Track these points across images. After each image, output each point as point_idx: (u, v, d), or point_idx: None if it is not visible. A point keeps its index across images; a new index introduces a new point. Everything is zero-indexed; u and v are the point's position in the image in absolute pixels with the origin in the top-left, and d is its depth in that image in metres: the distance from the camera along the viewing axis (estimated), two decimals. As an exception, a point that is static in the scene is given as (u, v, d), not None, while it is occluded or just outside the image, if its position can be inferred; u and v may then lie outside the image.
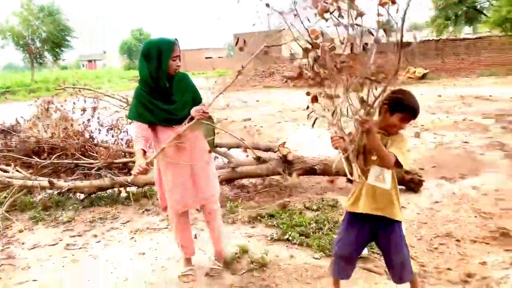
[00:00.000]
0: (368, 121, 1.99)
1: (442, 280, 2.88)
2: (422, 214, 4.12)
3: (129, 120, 3.58)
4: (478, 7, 26.32)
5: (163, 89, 2.77)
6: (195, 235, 3.71)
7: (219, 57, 54.40)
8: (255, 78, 25.83)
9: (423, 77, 21.29)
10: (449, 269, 3.01)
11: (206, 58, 50.18)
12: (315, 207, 4.36)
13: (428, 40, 24.32)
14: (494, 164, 5.76)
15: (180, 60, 2.76)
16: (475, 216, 4.00)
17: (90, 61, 79.31)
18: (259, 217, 4.12)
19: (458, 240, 3.50)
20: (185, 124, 2.71)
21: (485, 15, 24.73)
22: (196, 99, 2.90)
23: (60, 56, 36.22)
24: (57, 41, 34.30)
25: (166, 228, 4.04)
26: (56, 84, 14.10)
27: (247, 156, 5.44)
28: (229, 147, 5.60)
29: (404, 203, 4.24)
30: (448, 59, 22.53)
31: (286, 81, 23.54)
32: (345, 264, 2.42)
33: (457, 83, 18.12)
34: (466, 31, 36.49)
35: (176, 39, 2.74)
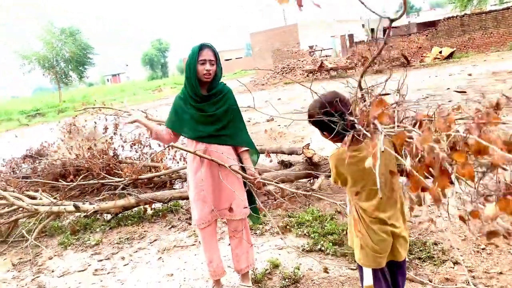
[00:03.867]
0: None
1: (494, 287, 2.59)
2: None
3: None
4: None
5: (199, 97, 2.67)
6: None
7: (237, 58, 54.48)
8: (275, 76, 25.58)
9: (450, 56, 20.44)
10: (501, 273, 2.71)
11: (226, 60, 50.29)
12: (347, 211, 4.11)
13: (452, 17, 23.35)
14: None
15: (211, 64, 2.60)
16: None
17: (114, 75, 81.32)
18: (288, 226, 3.93)
19: (506, 238, 3.18)
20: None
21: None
22: (235, 119, 2.77)
23: (84, 74, 37.29)
24: (80, 60, 35.36)
25: (193, 245, 3.92)
26: (83, 101, 14.43)
27: (270, 161, 5.26)
28: (252, 153, 5.43)
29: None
30: (476, 34, 21.52)
31: (307, 76, 23.17)
32: None
33: (488, 59, 17.23)
34: (492, 2, 34.89)
35: (207, 43, 2.63)
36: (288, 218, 4.13)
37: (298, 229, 3.83)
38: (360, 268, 2.01)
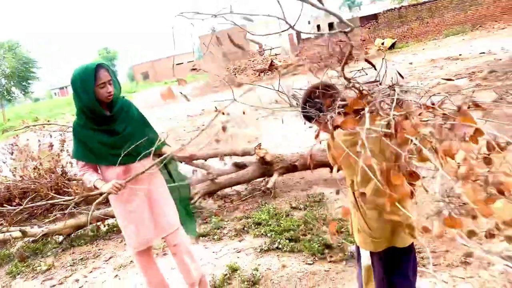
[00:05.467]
0: None
1: (441, 266, 2.74)
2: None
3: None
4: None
5: (104, 119, 2.49)
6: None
7: (189, 62, 53.89)
8: (227, 77, 25.55)
9: (393, 46, 21.34)
10: (447, 251, 2.87)
11: (177, 64, 49.54)
12: (302, 206, 4.19)
13: (391, 9, 24.38)
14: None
15: (110, 84, 2.43)
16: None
17: (61, 88, 77.80)
18: (246, 228, 3.94)
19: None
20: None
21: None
22: (146, 130, 2.62)
23: (28, 89, 35.40)
24: (22, 75, 33.49)
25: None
26: (23, 119, 13.72)
27: (224, 164, 5.26)
28: (206, 158, 5.39)
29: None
30: (413, 25, 22.60)
31: (258, 75, 23.36)
32: None
33: (426, 47, 18.16)
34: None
35: (100, 64, 2.44)
36: (246, 219, 4.14)
37: (256, 229, 3.85)
38: (357, 247, 2.07)
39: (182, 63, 51.45)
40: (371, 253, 2.01)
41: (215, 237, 3.92)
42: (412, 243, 2.01)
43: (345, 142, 1.57)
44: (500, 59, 10.54)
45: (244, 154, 5.13)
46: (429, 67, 12.12)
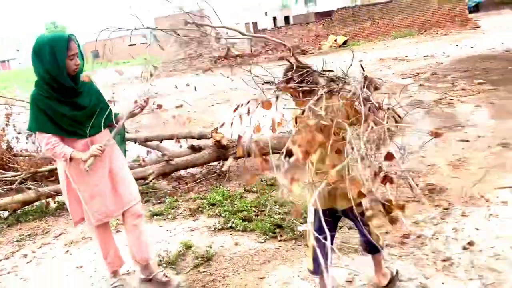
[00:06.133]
0: None
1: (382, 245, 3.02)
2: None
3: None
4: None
5: (69, 91, 2.47)
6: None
7: (142, 43, 52.10)
8: (182, 62, 25.17)
9: (344, 44, 22.06)
10: (387, 232, 3.16)
11: (130, 45, 47.78)
12: (255, 189, 4.37)
13: (345, 7, 25.15)
14: (417, 122, 6.14)
15: (79, 58, 2.44)
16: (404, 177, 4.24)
17: (3, 61, 72.15)
18: (200, 208, 4.05)
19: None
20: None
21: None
22: (104, 109, 2.62)
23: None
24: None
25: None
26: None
27: (180, 146, 5.30)
28: (161, 140, 5.41)
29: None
30: (365, 24, 23.48)
31: (215, 62, 23.23)
32: None
33: (376, 47, 19.00)
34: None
35: (71, 34, 2.42)
36: (200, 200, 4.24)
37: (210, 210, 3.97)
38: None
39: (135, 44, 49.71)
40: (315, 210, 2.31)
41: (169, 216, 4.00)
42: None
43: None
44: (442, 63, 11.34)
45: (201, 137, 5.20)
46: (378, 65, 12.76)
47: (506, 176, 3.82)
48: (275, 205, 3.81)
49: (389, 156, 1.66)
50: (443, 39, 18.06)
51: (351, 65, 2.04)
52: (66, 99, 2.48)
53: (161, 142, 5.40)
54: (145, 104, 2.69)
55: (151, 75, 3.08)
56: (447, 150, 4.78)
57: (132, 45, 47.80)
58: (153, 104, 2.92)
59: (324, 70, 2.08)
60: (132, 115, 2.72)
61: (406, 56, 13.81)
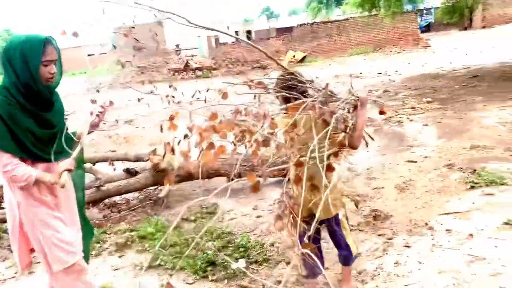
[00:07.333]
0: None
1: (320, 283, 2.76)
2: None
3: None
4: (345, -10, 28.35)
5: (44, 103, 2.07)
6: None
7: (101, 54, 50.62)
8: (140, 73, 24.50)
9: (303, 60, 22.29)
10: (327, 268, 2.91)
11: (88, 55, 46.30)
12: (193, 218, 4.02)
13: (304, 24, 25.54)
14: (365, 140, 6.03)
15: (56, 66, 2.06)
16: (351, 200, 4.04)
17: None
18: (129, 242, 3.64)
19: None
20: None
21: (350, -3, 26.74)
22: (63, 129, 2.24)
23: None
24: None
25: (13, 277, 3.34)
26: None
27: (114, 169, 4.86)
28: (94, 162, 4.95)
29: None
30: (323, 41, 23.89)
31: (173, 74, 22.78)
32: None
33: (332, 63, 19.28)
34: (338, 13, 39.35)
35: (50, 37, 2.03)
36: (130, 232, 3.83)
37: (139, 244, 3.58)
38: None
39: (94, 54, 48.12)
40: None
41: (93, 252, 3.56)
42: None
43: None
44: (394, 81, 11.54)
45: (137, 159, 4.80)
46: (334, 82, 12.82)
47: (450, 199, 3.70)
48: (212, 237, 3.48)
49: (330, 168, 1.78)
50: (396, 57, 18.63)
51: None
52: (36, 112, 2.05)
53: (94, 165, 4.95)
54: (104, 111, 2.40)
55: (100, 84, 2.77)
56: (394, 171, 4.66)
57: (91, 55, 46.47)
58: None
59: (311, 81, 2.21)
60: (93, 127, 2.40)
61: (360, 73, 14.02)
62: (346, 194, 2.57)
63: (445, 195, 3.78)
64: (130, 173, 4.72)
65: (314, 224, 1.56)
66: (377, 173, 4.67)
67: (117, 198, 4.81)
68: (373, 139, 2.82)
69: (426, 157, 4.99)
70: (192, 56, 28.15)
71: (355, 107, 2.11)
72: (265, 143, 1.60)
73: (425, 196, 3.85)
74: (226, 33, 2.24)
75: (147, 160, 4.70)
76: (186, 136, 1.68)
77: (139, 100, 3.06)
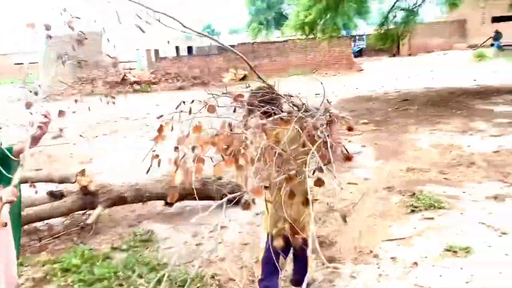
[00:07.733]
0: None
1: None
2: (244, 232, 3.85)
3: None
4: (284, 12, 29.24)
5: None
6: None
7: (31, 63, 47.18)
8: (74, 85, 23.07)
9: (244, 78, 22.42)
10: None
11: (15, 64, 43.04)
12: (125, 246, 3.65)
13: (245, 43, 25.85)
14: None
15: None
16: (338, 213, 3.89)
17: None
18: (49, 276, 3.19)
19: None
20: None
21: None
22: None
23: None
24: None
25: None
26: None
27: (36, 192, 4.34)
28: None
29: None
30: (264, 61, 24.27)
31: (109, 88, 21.73)
32: None
33: (272, 83, 19.58)
34: (278, 35, 40.44)
35: None
36: (51, 264, 3.37)
37: (62, 278, 3.15)
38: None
39: (22, 63, 44.75)
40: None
41: (5, 289, 3.06)
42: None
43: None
44: (331, 102, 11.87)
45: (62, 181, 4.32)
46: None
47: (392, 224, 3.72)
48: (146, 270, 3.15)
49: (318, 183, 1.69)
50: (332, 79, 19.37)
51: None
52: None
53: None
54: (48, 121, 2.09)
55: (36, 93, 2.39)
56: (337, 193, 4.64)
57: (19, 64, 43.16)
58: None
59: (289, 96, 2.22)
60: (35, 141, 2.08)
61: (299, 93, 14.28)
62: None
63: (388, 219, 3.80)
64: (55, 196, 4.23)
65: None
66: (320, 196, 4.62)
67: (39, 224, 4.28)
68: (349, 154, 2.75)
69: (365, 179, 5.05)
70: (130, 69, 27.18)
71: (329, 123, 2.09)
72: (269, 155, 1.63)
73: (368, 220, 3.84)
74: (218, 41, 2.45)
75: (74, 182, 4.24)
76: (176, 148, 1.62)
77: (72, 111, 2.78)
